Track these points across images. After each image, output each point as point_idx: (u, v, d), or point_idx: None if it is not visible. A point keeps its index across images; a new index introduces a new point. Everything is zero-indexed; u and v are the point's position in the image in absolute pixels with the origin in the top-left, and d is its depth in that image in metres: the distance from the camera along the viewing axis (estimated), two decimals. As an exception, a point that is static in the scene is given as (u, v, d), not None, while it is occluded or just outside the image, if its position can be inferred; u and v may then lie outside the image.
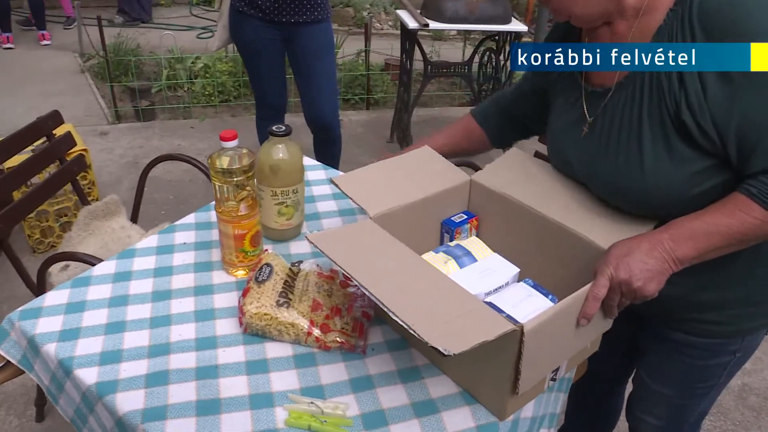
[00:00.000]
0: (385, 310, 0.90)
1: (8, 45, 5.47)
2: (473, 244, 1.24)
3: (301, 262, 1.27)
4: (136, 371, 1.08)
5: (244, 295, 1.18)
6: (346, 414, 1.01)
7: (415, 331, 0.86)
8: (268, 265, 1.22)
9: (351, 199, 1.20)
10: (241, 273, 1.31)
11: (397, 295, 0.94)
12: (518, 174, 1.29)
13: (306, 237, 1.07)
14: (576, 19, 1.07)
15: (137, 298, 1.25)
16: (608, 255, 1.01)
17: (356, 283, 0.97)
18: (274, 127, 1.32)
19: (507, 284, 1.14)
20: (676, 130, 1.00)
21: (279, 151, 1.33)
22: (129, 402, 1.02)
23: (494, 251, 1.24)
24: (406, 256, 1.06)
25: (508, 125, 1.43)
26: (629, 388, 1.53)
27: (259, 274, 1.20)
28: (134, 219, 2.17)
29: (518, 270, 1.17)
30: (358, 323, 1.16)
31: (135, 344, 1.14)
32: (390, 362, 1.13)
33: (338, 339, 1.13)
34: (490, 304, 1.03)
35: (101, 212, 2.08)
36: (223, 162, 1.20)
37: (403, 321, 0.88)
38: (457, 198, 1.32)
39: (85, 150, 2.75)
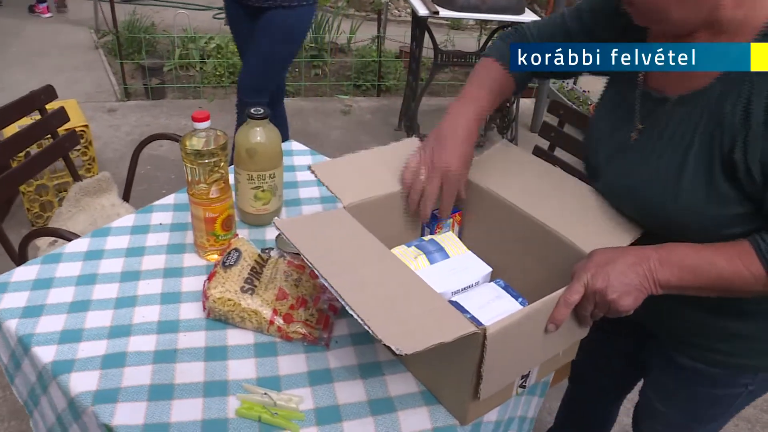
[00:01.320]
0: (342, 303, 0.88)
1: (47, 14, 5.60)
2: (448, 239, 1.20)
3: (271, 249, 1.25)
4: (93, 351, 1.07)
5: (209, 279, 1.16)
6: (299, 407, 0.99)
7: (369, 327, 0.83)
8: (236, 250, 1.20)
9: (326, 186, 1.16)
10: (213, 257, 1.29)
11: (358, 288, 0.91)
12: (508, 170, 1.25)
13: (273, 222, 1.04)
14: (667, 23, 0.95)
15: (105, 277, 1.24)
16: (588, 261, 0.96)
17: (316, 273, 0.94)
18: (252, 110, 1.29)
19: (477, 284, 1.11)
20: (722, 167, 0.92)
21: (256, 135, 1.30)
22: (82, 383, 1.01)
23: (477, 249, 1.20)
24: (374, 248, 1.03)
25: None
26: (633, 397, 1.48)
27: (227, 259, 1.18)
28: (126, 197, 2.15)
29: (490, 270, 1.13)
30: (324, 315, 1.14)
31: (96, 324, 1.12)
32: (352, 356, 1.10)
33: (301, 330, 1.10)
34: (455, 303, 0.99)
35: (93, 189, 2.07)
36: (194, 143, 1.18)
37: (358, 316, 0.85)
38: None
39: (85, 126, 2.74)
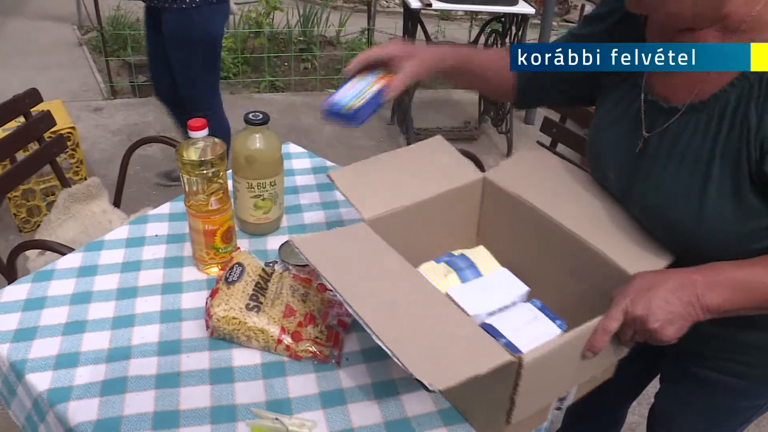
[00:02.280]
0: (368, 330, 0.82)
1: None
2: (480, 254, 1.14)
3: (275, 262, 1.19)
4: (92, 377, 1.01)
5: (212, 296, 1.11)
6: (312, 432, 0.94)
7: (398, 359, 0.77)
8: (239, 264, 1.14)
9: (346, 197, 1.09)
10: (213, 270, 1.24)
11: (383, 313, 0.85)
12: (539, 175, 1.17)
13: (290, 241, 0.98)
14: (661, 14, 0.91)
15: (101, 295, 1.17)
16: (628, 286, 0.89)
17: (338, 297, 0.88)
18: (250, 115, 1.23)
19: (513, 304, 1.04)
20: (751, 180, 0.87)
21: (255, 141, 1.24)
22: (81, 412, 0.95)
23: (502, 260, 1.13)
24: (400, 268, 0.96)
25: (548, 82, 1.19)
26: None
27: (230, 275, 1.12)
28: (117, 202, 2.09)
29: (527, 289, 1.06)
30: (333, 331, 1.09)
31: (94, 347, 1.06)
32: (365, 374, 1.05)
33: (311, 349, 1.05)
34: (489, 327, 0.93)
35: (82, 195, 2.00)
36: (191, 153, 1.12)
37: (386, 346, 0.79)
38: (467, 199, 1.20)
39: (72, 128, 2.66)
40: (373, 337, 0.80)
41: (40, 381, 1.00)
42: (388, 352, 0.78)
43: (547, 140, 2.06)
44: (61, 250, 1.47)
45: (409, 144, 3.73)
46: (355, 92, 1.09)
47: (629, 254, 0.99)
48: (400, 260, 0.97)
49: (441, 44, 1.19)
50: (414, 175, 1.16)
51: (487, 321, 0.92)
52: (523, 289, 1.06)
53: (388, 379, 1.04)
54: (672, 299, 0.86)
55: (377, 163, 1.18)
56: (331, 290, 1.15)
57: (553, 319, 0.94)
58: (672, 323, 0.85)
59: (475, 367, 0.76)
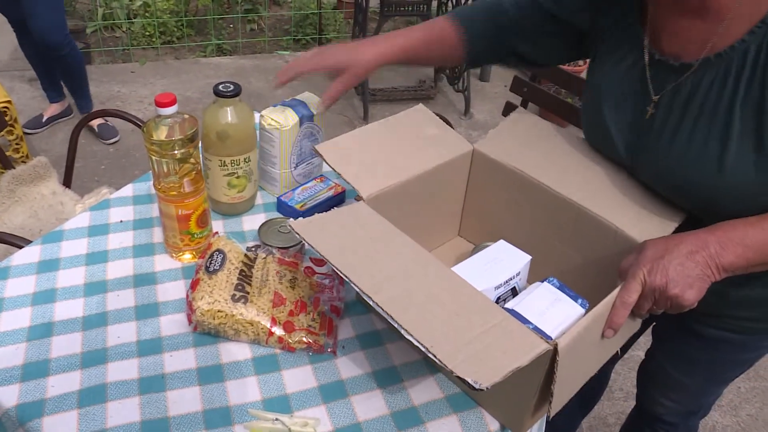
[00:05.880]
0: (395, 326, 0.75)
1: None
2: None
3: (257, 245, 1.10)
4: (66, 387, 0.91)
5: (192, 288, 1.02)
6: (316, 431, 0.87)
7: (435, 356, 0.71)
8: (219, 251, 1.05)
9: (339, 175, 1.00)
10: (187, 257, 1.14)
11: (406, 305, 0.78)
12: (529, 143, 1.12)
13: (288, 225, 0.89)
14: None
15: (66, 292, 1.07)
16: (640, 255, 0.86)
17: (354, 287, 0.80)
18: (221, 86, 1.13)
19: (518, 275, 0.99)
20: None
21: (227, 115, 1.14)
22: (58, 428, 0.86)
23: (497, 233, 1.09)
24: (411, 250, 0.88)
25: (500, 49, 1.15)
26: (634, 358, 1.41)
27: (210, 263, 1.03)
28: (67, 183, 1.94)
29: (530, 257, 1.02)
30: (327, 319, 1.02)
31: (64, 352, 0.96)
32: (364, 363, 0.99)
33: (305, 339, 0.98)
34: (513, 312, 0.86)
35: (28, 176, 1.85)
36: (161, 133, 1.01)
37: (420, 343, 0.72)
38: (457, 172, 1.14)
39: (8, 102, 2.46)
40: (404, 333, 0.74)
41: (6, 396, 0.89)
42: (424, 350, 0.72)
43: (517, 100, 2.00)
44: (14, 241, 1.34)
45: (365, 106, 3.63)
46: (308, 194, 1.27)
47: (634, 220, 0.96)
48: (409, 242, 0.89)
49: (386, 35, 1.11)
50: (402, 149, 1.09)
51: (510, 307, 0.86)
52: (525, 258, 1.02)
53: (390, 366, 0.98)
54: (688, 263, 0.83)
55: (363, 135, 1.09)
56: (318, 272, 1.08)
57: (574, 298, 0.89)
58: (691, 287, 0.83)
59: (515, 358, 0.71)
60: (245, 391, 0.93)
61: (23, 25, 2.78)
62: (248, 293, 1.00)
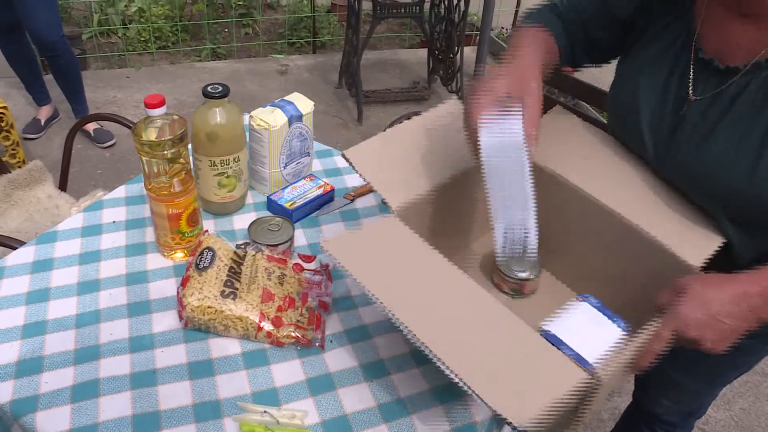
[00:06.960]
0: (434, 360, 0.74)
1: None
2: None
3: (247, 243, 1.12)
4: (60, 383, 0.93)
5: (183, 284, 1.04)
6: (304, 423, 0.89)
7: (477, 394, 0.70)
8: (209, 249, 1.07)
9: (369, 184, 0.98)
10: (179, 255, 1.16)
11: (443, 335, 0.77)
12: (570, 145, 1.08)
13: (321, 246, 0.88)
14: None
15: (60, 291, 1.09)
16: (679, 300, 0.83)
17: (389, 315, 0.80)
18: (209, 87, 1.15)
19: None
20: None
21: (216, 116, 1.16)
22: (52, 422, 0.88)
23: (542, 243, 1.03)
24: (446, 272, 0.86)
25: (579, 45, 1.10)
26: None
27: (200, 261, 1.05)
28: (63, 186, 1.96)
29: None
30: (315, 314, 1.04)
31: (58, 349, 0.98)
32: (352, 356, 1.01)
33: (293, 334, 1.00)
34: (549, 334, 0.85)
35: (24, 180, 1.87)
36: (150, 134, 1.03)
37: (461, 379, 0.71)
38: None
39: (5, 108, 2.48)
40: (444, 368, 0.73)
41: (1, 392, 0.91)
42: (465, 387, 0.71)
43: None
44: (9, 243, 1.37)
45: (359, 108, 3.65)
46: (298, 193, 1.29)
47: (674, 234, 0.93)
48: (441, 260, 0.87)
49: (520, 56, 1.00)
50: (437, 148, 1.05)
51: (545, 328, 0.85)
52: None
53: (376, 360, 1.00)
54: (725, 317, 0.82)
55: (392, 137, 1.06)
56: (307, 269, 1.10)
57: (612, 319, 0.87)
58: (726, 340, 0.83)
59: (553, 390, 0.70)
60: (235, 385, 0.95)
61: (7, 27, 2.82)
62: (237, 289, 1.02)
